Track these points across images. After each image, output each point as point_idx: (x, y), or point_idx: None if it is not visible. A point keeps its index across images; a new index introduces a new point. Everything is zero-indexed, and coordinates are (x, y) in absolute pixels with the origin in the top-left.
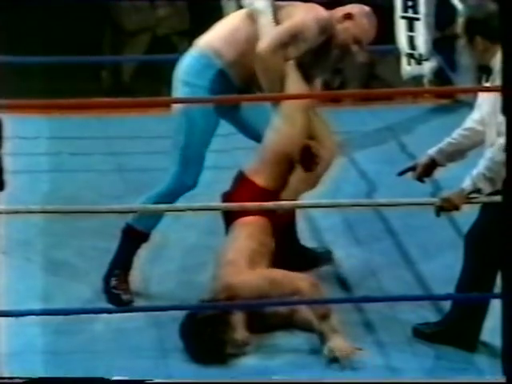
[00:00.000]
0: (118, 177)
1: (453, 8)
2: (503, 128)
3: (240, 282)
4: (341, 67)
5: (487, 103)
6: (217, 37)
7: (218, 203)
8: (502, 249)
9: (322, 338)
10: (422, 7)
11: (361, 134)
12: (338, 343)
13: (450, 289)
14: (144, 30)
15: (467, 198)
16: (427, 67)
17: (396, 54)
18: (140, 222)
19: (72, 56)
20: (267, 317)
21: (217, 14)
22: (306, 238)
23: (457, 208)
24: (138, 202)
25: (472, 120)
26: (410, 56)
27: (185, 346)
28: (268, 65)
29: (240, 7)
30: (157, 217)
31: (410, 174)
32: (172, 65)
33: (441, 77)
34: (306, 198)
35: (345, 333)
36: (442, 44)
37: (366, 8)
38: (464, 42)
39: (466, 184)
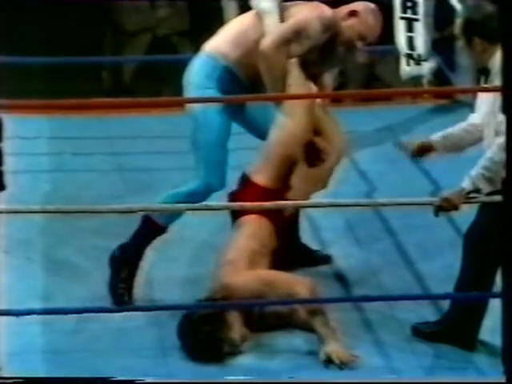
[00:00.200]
0: (118, 177)
1: (451, 9)
2: (502, 128)
3: (237, 282)
4: (341, 68)
5: (486, 103)
6: (224, 39)
7: (217, 203)
8: (502, 248)
9: (320, 340)
10: (420, 8)
11: (360, 134)
12: (334, 348)
13: (449, 288)
14: (144, 30)
15: (466, 197)
16: (426, 68)
17: (395, 55)
18: (161, 215)
19: (72, 56)
20: (267, 316)
21: (217, 15)
22: (306, 238)
23: (456, 208)
24: (159, 198)
25: (475, 117)
26: (409, 56)
27: (182, 345)
28: (271, 62)
29: (240, 8)
30: (177, 213)
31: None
32: (172, 65)
33: (440, 77)
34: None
35: (343, 332)
36: (441, 44)
37: (371, 5)
38: (462, 44)
39: (465, 184)
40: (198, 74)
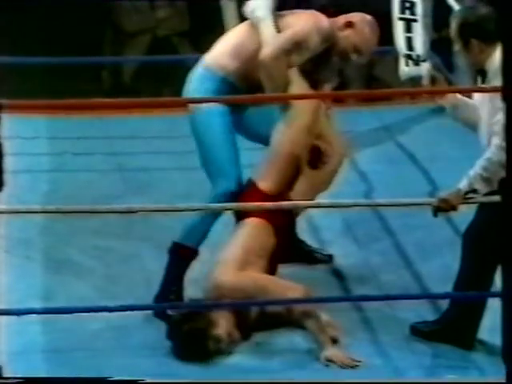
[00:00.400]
0: (118, 177)
1: (450, 9)
2: (499, 128)
3: (229, 281)
4: (341, 68)
5: (482, 103)
6: (221, 52)
7: (217, 203)
8: (502, 248)
9: (317, 345)
10: (419, 8)
11: (359, 134)
12: (334, 353)
13: (448, 287)
14: (144, 30)
15: (464, 198)
16: (425, 68)
17: (394, 55)
18: (189, 238)
19: (72, 57)
20: (265, 315)
21: (217, 15)
22: (306, 238)
23: (454, 208)
24: (186, 222)
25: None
26: (408, 57)
27: (170, 346)
28: (271, 72)
29: (239, 8)
30: (205, 231)
31: None
32: (172, 65)
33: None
34: None
35: (343, 331)
36: (440, 45)
37: (368, 17)
38: (459, 47)
39: (463, 184)
40: (197, 88)
